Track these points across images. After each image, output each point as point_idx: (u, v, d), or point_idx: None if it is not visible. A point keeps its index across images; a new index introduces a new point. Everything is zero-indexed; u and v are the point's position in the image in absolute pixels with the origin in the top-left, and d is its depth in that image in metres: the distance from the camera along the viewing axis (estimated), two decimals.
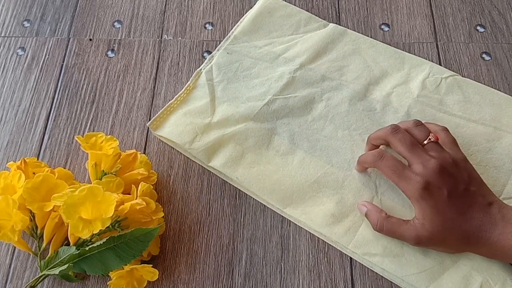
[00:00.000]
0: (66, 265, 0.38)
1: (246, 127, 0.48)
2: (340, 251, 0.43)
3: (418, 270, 0.41)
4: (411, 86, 0.51)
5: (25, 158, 0.42)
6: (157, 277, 0.39)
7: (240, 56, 0.53)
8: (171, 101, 0.50)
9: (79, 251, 0.38)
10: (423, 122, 0.45)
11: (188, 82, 0.51)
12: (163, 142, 0.49)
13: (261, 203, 0.46)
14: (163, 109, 0.49)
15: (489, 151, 0.47)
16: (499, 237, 0.39)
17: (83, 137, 0.43)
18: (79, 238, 0.40)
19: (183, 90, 0.51)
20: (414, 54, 0.53)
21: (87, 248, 0.38)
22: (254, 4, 0.57)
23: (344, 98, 0.50)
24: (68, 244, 0.40)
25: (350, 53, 0.53)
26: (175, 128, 0.48)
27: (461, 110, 0.49)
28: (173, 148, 0.49)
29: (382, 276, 0.42)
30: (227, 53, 0.53)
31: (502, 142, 0.47)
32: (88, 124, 0.50)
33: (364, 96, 0.50)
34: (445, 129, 0.45)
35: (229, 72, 0.52)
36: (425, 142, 0.42)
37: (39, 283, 0.40)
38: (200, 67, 0.52)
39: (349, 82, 0.51)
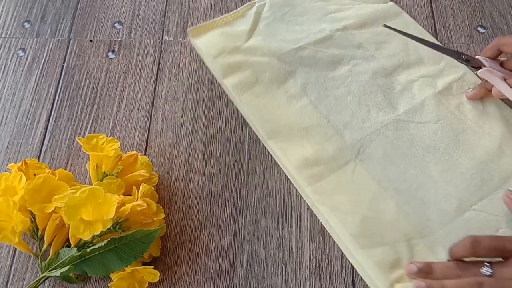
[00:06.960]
0: (67, 267, 0.38)
1: (269, 61, 0.51)
2: (341, 252, 0.43)
3: (357, 234, 0.42)
4: (438, 82, 0.51)
5: (26, 160, 0.42)
6: (158, 278, 0.39)
7: (294, 2, 0.56)
8: (216, 19, 0.54)
9: (80, 252, 0.38)
10: None
11: (238, 9, 0.55)
12: (164, 143, 0.49)
13: (262, 204, 0.46)
14: (207, 22, 0.53)
15: (483, 162, 0.46)
16: None
17: (84, 138, 0.43)
18: (80, 240, 0.39)
19: (231, 13, 0.55)
20: None
21: (88, 250, 0.38)
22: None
23: (369, 69, 0.51)
24: (69, 246, 0.40)
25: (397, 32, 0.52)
26: (208, 41, 0.52)
27: (473, 120, 0.48)
28: (174, 149, 0.48)
29: None
30: None
31: (500, 160, 0.46)
32: (89, 126, 0.50)
33: (389, 74, 0.51)
34: None
35: (278, 12, 0.55)
36: None
37: (40, 284, 0.40)
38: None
39: (382, 57, 0.52)
